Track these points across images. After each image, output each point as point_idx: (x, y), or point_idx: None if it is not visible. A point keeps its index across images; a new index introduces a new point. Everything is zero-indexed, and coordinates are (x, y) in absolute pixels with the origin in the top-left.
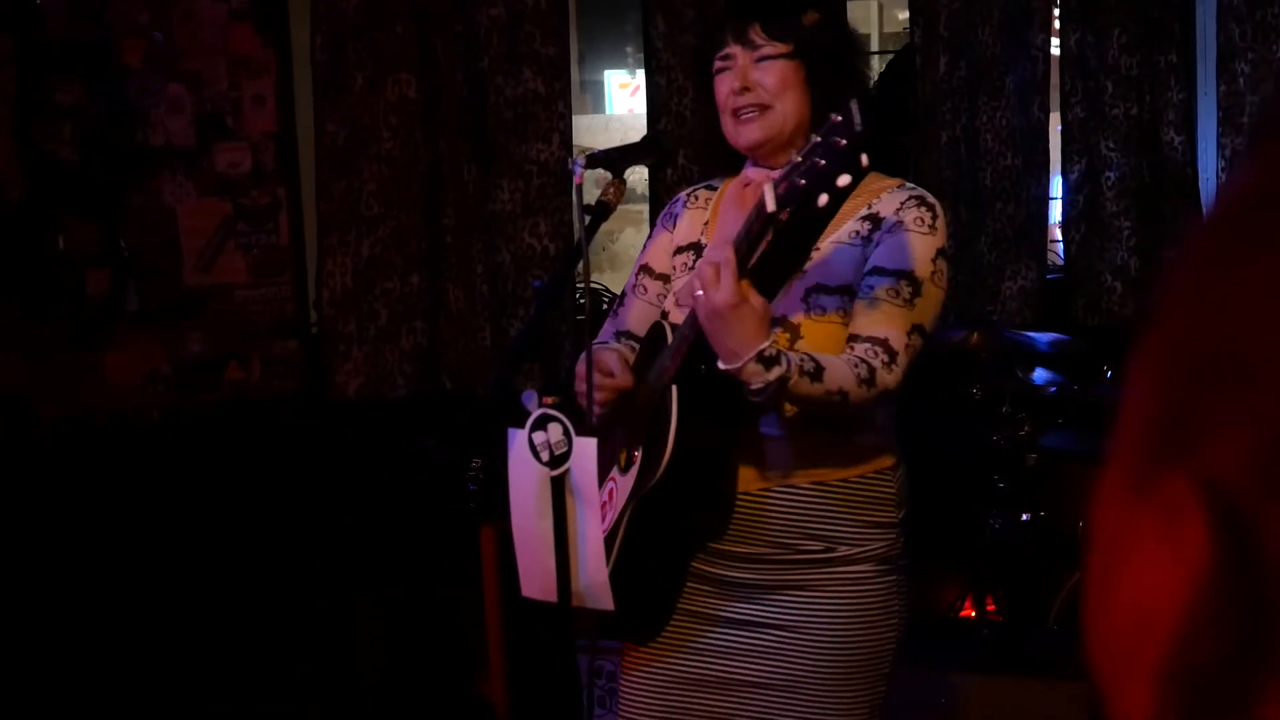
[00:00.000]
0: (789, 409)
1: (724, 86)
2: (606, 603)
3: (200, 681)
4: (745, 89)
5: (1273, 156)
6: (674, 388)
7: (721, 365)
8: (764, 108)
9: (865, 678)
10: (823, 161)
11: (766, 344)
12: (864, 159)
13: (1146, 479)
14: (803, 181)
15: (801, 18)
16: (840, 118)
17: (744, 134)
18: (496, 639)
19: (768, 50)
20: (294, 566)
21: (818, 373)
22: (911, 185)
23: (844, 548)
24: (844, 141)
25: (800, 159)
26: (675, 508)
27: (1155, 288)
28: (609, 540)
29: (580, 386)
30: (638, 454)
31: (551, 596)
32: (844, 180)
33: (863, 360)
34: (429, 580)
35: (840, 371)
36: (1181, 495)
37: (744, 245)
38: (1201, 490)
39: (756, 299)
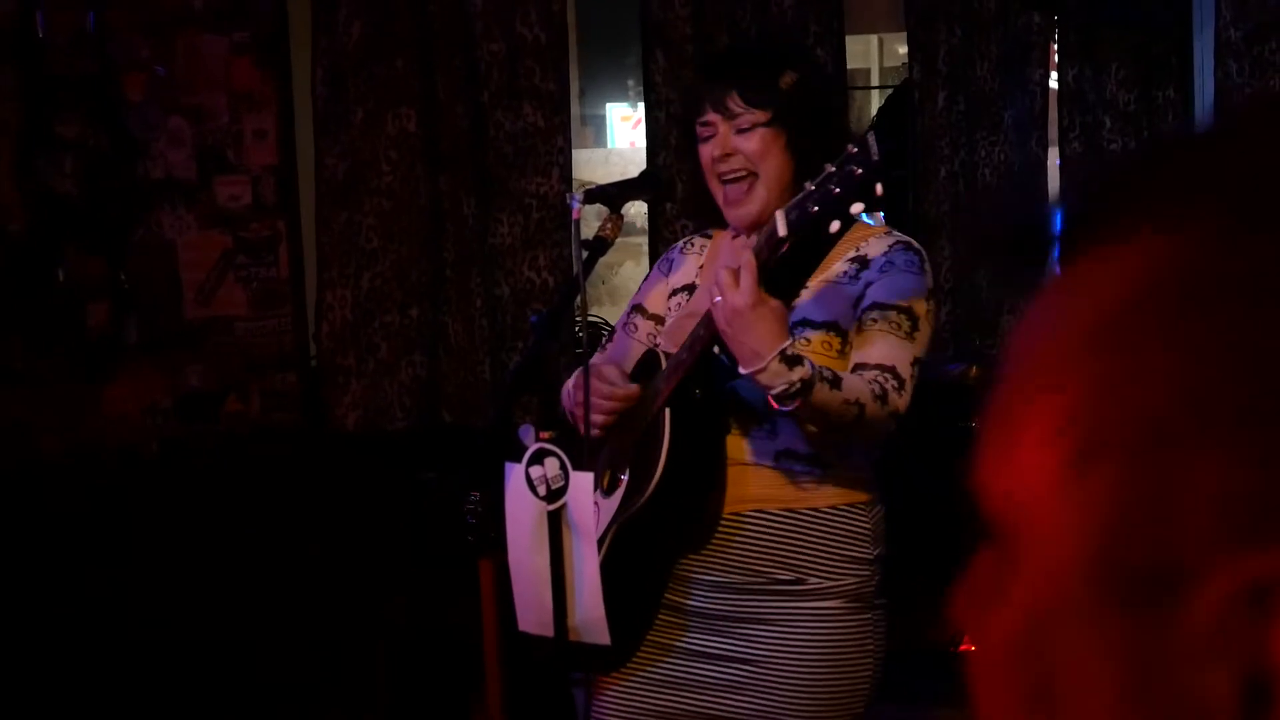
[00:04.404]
0: (810, 429)
1: (706, 153)
2: (603, 638)
3: (197, 711)
4: (727, 155)
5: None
6: (667, 411)
7: (743, 369)
8: (749, 174)
9: (835, 717)
10: (837, 189)
11: (788, 343)
12: (879, 188)
13: None
14: (815, 208)
15: (779, 81)
16: (856, 149)
17: (739, 217)
18: (494, 672)
19: (746, 120)
20: (291, 598)
21: (836, 381)
22: (898, 232)
23: (814, 579)
24: (860, 171)
25: (814, 187)
26: (658, 529)
27: None
28: None
29: (575, 403)
30: (623, 477)
31: (548, 631)
32: (857, 208)
33: (876, 380)
34: (427, 613)
35: (857, 384)
36: None
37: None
38: None
39: (775, 300)
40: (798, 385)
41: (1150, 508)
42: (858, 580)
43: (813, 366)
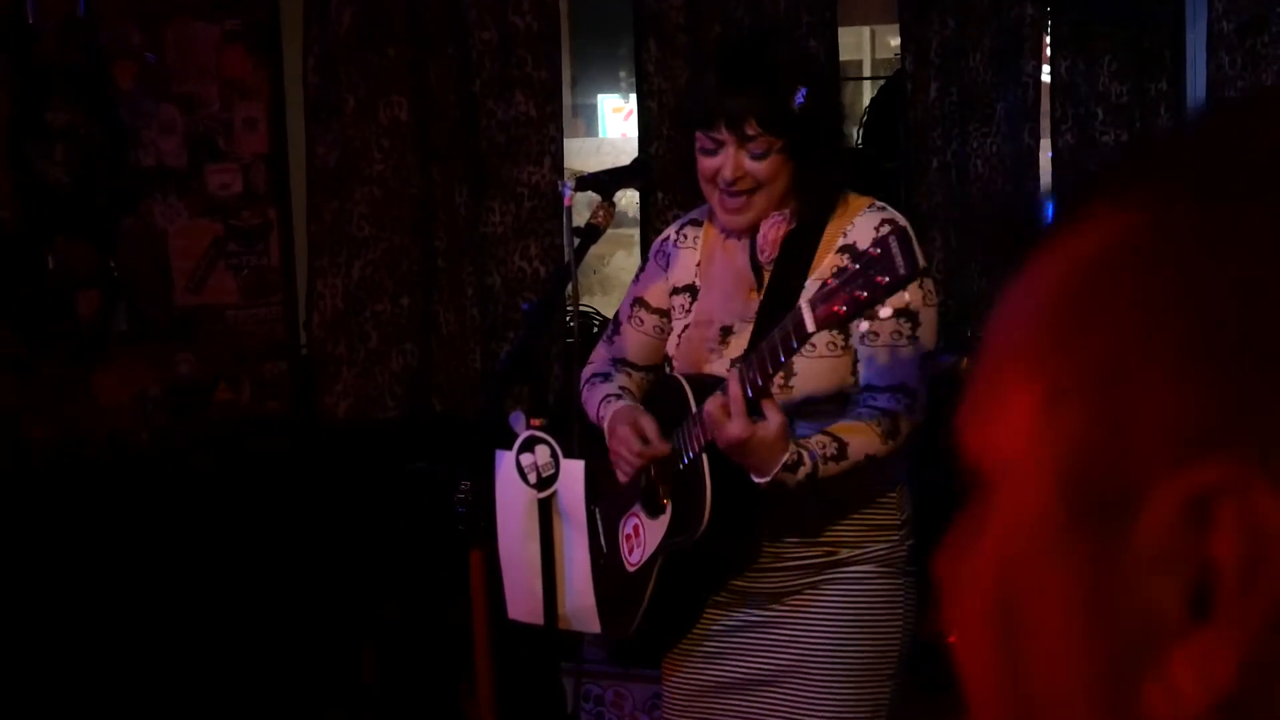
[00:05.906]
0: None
1: (710, 164)
2: (593, 625)
3: (187, 701)
4: (737, 178)
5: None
6: (705, 458)
7: (754, 479)
8: (753, 190)
9: (867, 674)
10: (864, 294)
11: (787, 455)
12: (905, 296)
13: None
14: (843, 310)
15: (791, 101)
16: (879, 251)
17: (735, 224)
18: (485, 661)
19: (760, 146)
20: (281, 588)
21: (841, 452)
22: (881, 205)
23: (845, 550)
24: (886, 280)
25: (837, 284)
26: (705, 560)
27: None
28: (641, 581)
29: (614, 446)
30: (667, 502)
31: (538, 619)
32: (885, 314)
33: (886, 412)
34: (417, 602)
35: (862, 440)
36: None
37: (766, 361)
38: None
39: (773, 419)
40: (804, 480)
41: (1108, 438)
42: (887, 546)
43: (813, 458)
